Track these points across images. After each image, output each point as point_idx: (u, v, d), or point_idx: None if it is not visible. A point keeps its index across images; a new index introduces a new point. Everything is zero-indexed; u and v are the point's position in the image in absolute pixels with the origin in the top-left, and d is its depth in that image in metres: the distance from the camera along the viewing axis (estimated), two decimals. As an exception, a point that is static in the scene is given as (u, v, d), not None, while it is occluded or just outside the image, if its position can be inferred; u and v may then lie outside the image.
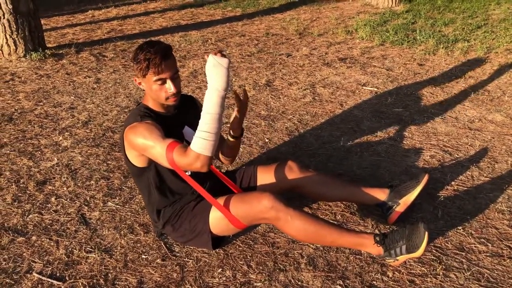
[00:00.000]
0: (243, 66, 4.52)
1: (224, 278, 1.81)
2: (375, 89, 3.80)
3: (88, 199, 2.36)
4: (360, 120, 3.22)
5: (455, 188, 2.37)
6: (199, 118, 2.06)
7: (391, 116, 3.27)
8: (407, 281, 1.77)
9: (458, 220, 2.11)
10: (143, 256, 1.94)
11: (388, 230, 1.91)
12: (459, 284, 1.75)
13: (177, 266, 1.88)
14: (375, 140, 2.92)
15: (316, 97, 3.66)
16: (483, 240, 1.98)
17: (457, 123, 3.12)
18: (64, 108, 3.55)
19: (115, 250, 1.98)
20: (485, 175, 2.48)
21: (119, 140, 1.90)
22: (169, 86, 1.77)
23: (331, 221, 2.09)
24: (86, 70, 4.51)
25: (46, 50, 4.95)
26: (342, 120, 3.24)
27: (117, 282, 1.80)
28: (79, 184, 2.49)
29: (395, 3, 7.46)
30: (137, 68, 1.77)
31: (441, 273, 1.79)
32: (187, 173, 1.87)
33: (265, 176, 2.15)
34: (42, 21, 6.81)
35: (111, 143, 2.94)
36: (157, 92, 1.79)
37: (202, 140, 1.62)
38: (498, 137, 2.89)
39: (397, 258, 1.77)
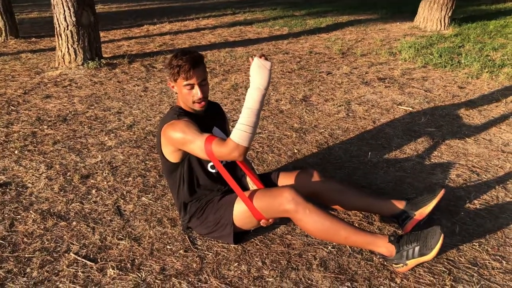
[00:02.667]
0: (283, 82, 4.68)
1: (239, 272, 1.93)
2: (410, 109, 3.83)
3: (124, 193, 2.57)
4: (391, 137, 3.27)
5: (478, 207, 2.38)
6: (225, 121, 2.27)
7: (423, 135, 3.30)
8: (414, 289, 1.81)
9: (476, 237, 2.13)
10: (168, 247, 2.10)
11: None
12: (467, 296, 1.77)
13: (198, 258, 2.02)
14: (403, 157, 2.97)
15: (350, 114, 3.74)
16: (498, 257, 1.99)
17: (490, 145, 3.10)
18: (112, 112, 3.84)
19: (144, 240, 2.16)
20: (511, 196, 2.47)
21: (156, 137, 2.10)
22: (196, 91, 1.96)
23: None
24: (136, 79, 4.83)
25: (101, 60, 5.35)
26: (373, 136, 3.30)
27: (142, 267, 1.97)
28: (118, 180, 2.71)
29: (444, 27, 7.41)
30: (170, 73, 1.99)
31: (449, 284, 1.82)
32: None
33: (286, 180, 2.27)
34: (102, 34, 7.35)
35: (151, 145, 3.16)
36: (186, 95, 1.98)
37: (241, 132, 1.80)
38: (531, 161, 2.85)
39: (407, 262, 1.83)
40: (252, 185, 2.25)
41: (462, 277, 1.87)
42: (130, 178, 2.73)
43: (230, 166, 2.22)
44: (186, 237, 2.16)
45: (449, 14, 7.38)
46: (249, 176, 2.22)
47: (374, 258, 1.99)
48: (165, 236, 2.18)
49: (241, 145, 1.79)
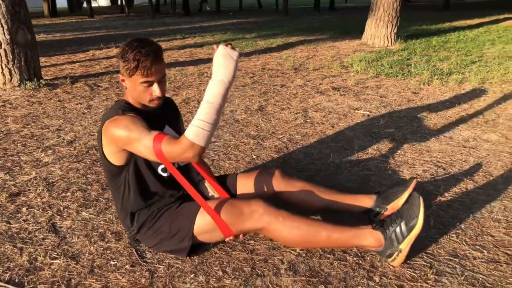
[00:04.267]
0: (237, 95, 4.50)
1: (196, 283, 1.66)
2: (368, 113, 3.74)
3: (61, 209, 2.24)
4: (351, 139, 3.14)
5: (449, 199, 2.25)
6: (178, 119, 2.02)
7: (383, 136, 3.19)
8: (395, 286, 1.61)
9: (452, 228, 1.98)
10: (112, 262, 1.80)
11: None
12: (452, 289, 1.59)
13: (147, 272, 1.74)
14: (365, 157, 2.83)
15: (307, 120, 3.60)
16: (478, 247, 1.84)
17: (451, 142, 3.02)
18: (51, 130, 3.49)
19: (83, 257, 1.84)
20: (479, 187, 2.36)
21: (97, 136, 1.82)
22: (155, 90, 1.70)
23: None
24: (79, 98, 4.50)
25: (40, 80, 4.97)
26: (333, 139, 3.16)
27: (80, 288, 1.66)
28: (54, 195, 2.38)
29: (391, 43, 7.59)
30: (124, 67, 1.68)
31: (432, 278, 1.64)
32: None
33: (246, 182, 2.04)
34: (43, 59, 6.95)
35: (93, 160, 2.85)
36: (141, 93, 1.71)
37: (198, 129, 1.54)
38: (493, 154, 2.79)
39: (400, 247, 1.65)
40: (212, 191, 2.01)
41: (445, 270, 1.69)
42: (68, 193, 2.40)
43: (185, 169, 1.97)
44: (133, 251, 1.87)
45: (395, 31, 7.59)
46: (210, 181, 1.97)
47: (348, 257, 1.78)
48: (108, 251, 1.88)
49: (197, 144, 1.54)
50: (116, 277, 1.71)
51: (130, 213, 1.87)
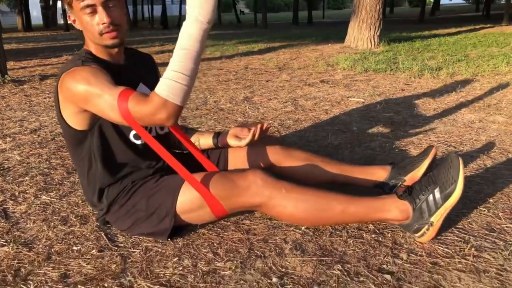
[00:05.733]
0: (220, 88, 4.21)
1: (180, 268, 1.32)
2: (362, 100, 3.49)
3: (16, 194, 1.88)
4: (348, 123, 2.86)
5: (469, 175, 1.97)
6: (156, 77, 1.69)
7: (382, 119, 2.93)
8: (428, 263, 1.31)
9: (480, 203, 1.70)
10: (74, 248, 1.45)
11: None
12: (499, 264, 1.30)
13: (118, 257, 1.39)
14: (367, 138, 2.55)
15: (298, 108, 3.32)
16: (515, 220, 1.56)
17: (456, 123, 2.78)
18: (13, 121, 3.11)
19: (38, 243, 1.49)
20: (499, 163, 2.10)
21: (54, 96, 1.48)
22: (101, 16, 1.36)
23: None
24: (48, 92, 4.13)
25: (6, 76, 4.58)
26: (328, 123, 2.88)
27: (31, 277, 1.30)
28: (8, 180, 2.01)
29: (375, 45, 7.45)
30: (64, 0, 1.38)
31: (471, 253, 1.35)
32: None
33: (238, 155, 1.73)
34: (11, 63, 6.55)
35: (59, 145, 2.49)
36: (88, 26, 1.38)
37: (171, 83, 1.21)
38: (504, 133, 2.55)
39: (431, 219, 1.36)
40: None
41: (483, 245, 1.40)
42: (26, 178, 2.04)
43: (164, 136, 1.64)
44: (102, 234, 1.52)
45: (378, 33, 7.45)
46: (194, 153, 1.65)
47: (364, 234, 1.48)
48: (70, 236, 1.53)
49: (171, 102, 1.20)
50: (79, 263, 1.36)
51: (99, 189, 1.52)
